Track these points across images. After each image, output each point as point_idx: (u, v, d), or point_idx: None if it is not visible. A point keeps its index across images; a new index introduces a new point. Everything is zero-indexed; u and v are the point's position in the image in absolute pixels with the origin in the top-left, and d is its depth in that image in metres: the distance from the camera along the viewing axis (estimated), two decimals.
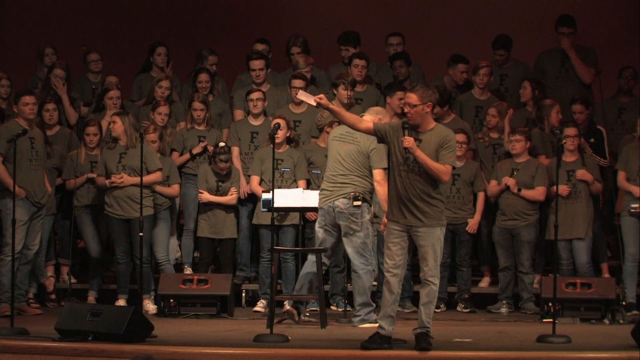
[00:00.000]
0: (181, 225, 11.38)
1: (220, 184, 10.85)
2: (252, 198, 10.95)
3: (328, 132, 10.60)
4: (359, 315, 9.32)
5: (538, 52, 12.24)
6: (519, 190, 10.64)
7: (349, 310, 9.91)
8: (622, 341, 8.14)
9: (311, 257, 9.46)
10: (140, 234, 9.63)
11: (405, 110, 7.86)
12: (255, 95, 11.12)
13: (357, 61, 11.51)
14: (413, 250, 8.01)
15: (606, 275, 10.96)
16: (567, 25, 11.85)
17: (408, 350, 7.80)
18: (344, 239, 9.30)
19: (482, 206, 10.89)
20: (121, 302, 10.53)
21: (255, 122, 11.18)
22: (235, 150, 11.10)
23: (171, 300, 10.19)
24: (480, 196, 10.89)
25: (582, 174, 10.58)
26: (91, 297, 10.89)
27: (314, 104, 7.97)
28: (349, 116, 8.00)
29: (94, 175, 10.71)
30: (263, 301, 10.62)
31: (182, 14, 14.03)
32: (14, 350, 7.93)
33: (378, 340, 7.80)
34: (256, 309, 10.63)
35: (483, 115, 11.44)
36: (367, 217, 9.26)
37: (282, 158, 10.71)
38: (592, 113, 11.38)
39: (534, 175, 10.66)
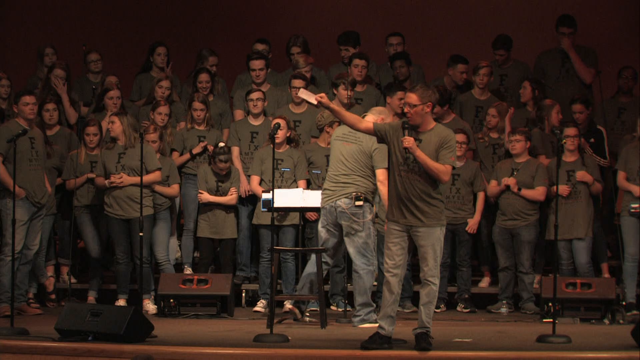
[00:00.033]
0: (181, 225, 11.38)
1: (220, 184, 10.85)
2: (252, 198, 10.95)
3: (328, 132, 10.61)
4: (359, 315, 9.32)
5: (538, 52, 12.24)
6: (519, 189, 10.64)
7: (349, 310, 9.91)
8: (622, 341, 8.14)
9: (314, 257, 9.46)
10: (140, 234, 9.63)
11: (405, 110, 7.86)
12: (255, 95, 11.13)
13: (357, 61, 11.51)
14: (413, 250, 8.01)
15: (606, 275, 10.96)
16: (568, 25, 11.85)
17: (408, 350, 7.80)
18: (345, 238, 9.30)
19: (482, 206, 10.89)
20: (121, 302, 10.53)
21: (255, 122, 11.18)
22: (235, 150, 11.10)
23: (171, 300, 10.19)
24: (480, 196, 10.89)
25: (581, 175, 10.58)
26: (91, 297, 10.89)
27: (315, 102, 7.97)
28: (349, 116, 8.00)
29: (94, 176, 10.71)
30: (263, 301, 10.62)
31: (182, 14, 14.04)
32: (14, 350, 7.93)
33: (378, 340, 7.81)
34: (256, 309, 10.63)
35: (483, 115, 11.44)
36: (369, 217, 9.26)
37: (282, 158, 10.70)
38: (592, 113, 11.38)
39: (534, 175, 10.66)
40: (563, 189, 10.48)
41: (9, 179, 9.69)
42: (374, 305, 9.39)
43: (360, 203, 9.20)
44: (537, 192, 10.66)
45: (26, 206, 10.13)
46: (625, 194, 10.47)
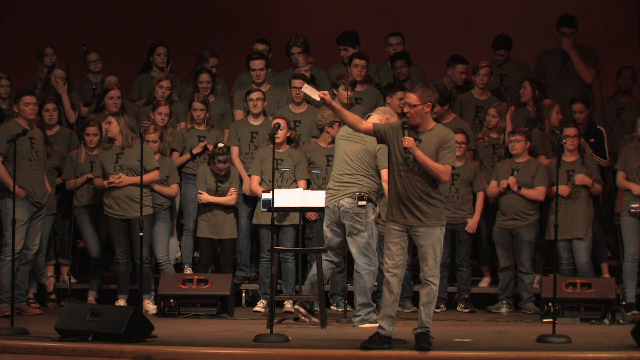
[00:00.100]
0: (181, 225, 11.38)
1: (219, 184, 10.85)
2: (252, 198, 10.95)
3: (328, 132, 10.62)
4: (359, 315, 9.31)
5: (538, 52, 12.24)
6: (519, 188, 10.64)
7: (349, 310, 9.92)
8: (622, 341, 8.14)
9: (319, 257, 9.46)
10: (141, 234, 9.63)
11: (405, 110, 7.87)
12: (255, 95, 11.12)
13: (357, 61, 11.51)
14: (413, 250, 8.01)
15: (606, 275, 10.96)
16: (569, 26, 11.84)
17: (408, 350, 7.80)
18: (348, 238, 9.30)
19: (482, 206, 10.89)
20: (121, 302, 10.53)
21: (255, 122, 11.18)
22: (235, 150, 11.10)
23: (171, 300, 10.20)
24: (480, 196, 10.89)
25: (580, 179, 10.56)
26: (91, 297, 10.89)
27: (318, 98, 7.97)
28: (350, 116, 8.00)
29: (94, 176, 10.70)
30: (263, 301, 10.62)
31: (182, 14, 14.04)
32: (14, 350, 7.93)
33: (378, 341, 7.81)
34: (256, 309, 10.63)
35: (483, 116, 11.44)
36: (372, 217, 9.25)
37: (282, 158, 10.70)
38: (592, 113, 11.38)
39: (534, 175, 10.66)
40: (563, 189, 10.48)
41: (9, 179, 9.69)
42: (374, 305, 9.39)
43: (364, 203, 9.19)
44: (537, 192, 10.66)
45: (26, 206, 10.13)
46: (625, 194, 10.47)
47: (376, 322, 8.08)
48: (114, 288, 10.81)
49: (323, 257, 9.44)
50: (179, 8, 14.04)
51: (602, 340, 8.51)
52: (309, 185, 10.78)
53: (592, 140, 11.05)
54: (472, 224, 10.83)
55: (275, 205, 9.63)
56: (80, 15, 13.89)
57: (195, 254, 11.31)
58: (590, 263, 10.64)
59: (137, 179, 10.19)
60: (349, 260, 9.73)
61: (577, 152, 10.69)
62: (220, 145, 10.79)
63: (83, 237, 10.97)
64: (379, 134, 7.91)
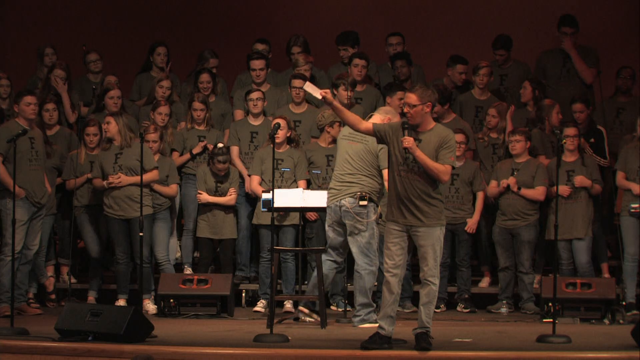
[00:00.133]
0: (181, 225, 11.38)
1: (219, 184, 10.85)
2: (252, 198, 10.95)
3: (328, 132, 10.62)
4: (359, 315, 9.31)
5: (538, 52, 12.24)
6: (519, 188, 10.64)
7: (349, 310, 9.92)
8: (622, 341, 8.15)
9: (322, 258, 9.45)
10: (141, 234, 9.63)
11: (405, 110, 7.87)
12: (255, 95, 11.12)
13: (357, 61, 11.52)
14: (413, 250, 8.01)
15: (606, 275, 10.96)
16: (570, 25, 11.84)
17: (408, 350, 7.80)
18: (349, 238, 9.30)
19: (481, 206, 10.89)
20: (121, 302, 10.53)
21: (255, 122, 11.18)
22: (235, 150, 11.10)
23: (171, 300, 10.20)
24: (480, 196, 10.89)
25: (580, 180, 10.55)
26: (91, 297, 10.89)
27: (320, 97, 7.98)
28: (350, 115, 8.00)
29: (93, 176, 10.70)
30: (263, 301, 10.62)
31: (182, 14, 14.03)
32: (14, 350, 7.93)
33: (378, 341, 7.81)
34: (256, 309, 10.63)
35: (483, 116, 11.44)
36: (373, 217, 9.25)
37: (282, 158, 10.70)
38: (592, 113, 11.38)
39: (534, 175, 10.66)
40: (563, 189, 10.48)
41: (9, 179, 9.69)
42: (374, 305, 9.39)
43: (365, 203, 9.19)
44: (537, 192, 10.66)
45: (26, 206, 10.13)
46: (625, 194, 10.47)
47: (376, 322, 8.09)
48: (114, 288, 10.81)
49: (326, 257, 9.44)
50: (179, 8, 14.04)
51: (602, 340, 8.51)
52: (309, 185, 10.78)
53: (592, 140, 11.04)
54: (471, 223, 10.83)
55: (275, 205, 9.62)
56: (80, 15, 13.89)
57: (195, 254, 11.32)
58: (590, 263, 10.64)
59: (136, 179, 10.20)
60: (349, 260, 9.73)
61: (577, 152, 10.68)
62: (220, 145, 10.79)
63: (83, 237, 10.97)
64: (378, 134, 7.91)
